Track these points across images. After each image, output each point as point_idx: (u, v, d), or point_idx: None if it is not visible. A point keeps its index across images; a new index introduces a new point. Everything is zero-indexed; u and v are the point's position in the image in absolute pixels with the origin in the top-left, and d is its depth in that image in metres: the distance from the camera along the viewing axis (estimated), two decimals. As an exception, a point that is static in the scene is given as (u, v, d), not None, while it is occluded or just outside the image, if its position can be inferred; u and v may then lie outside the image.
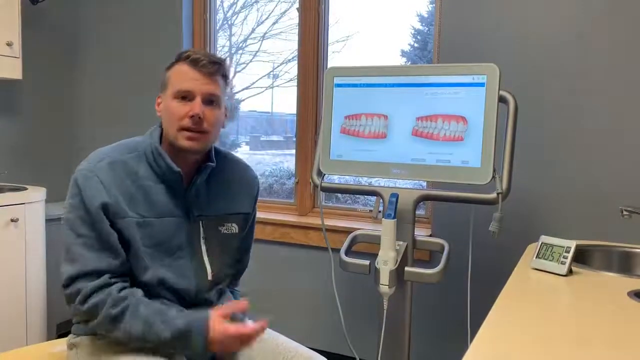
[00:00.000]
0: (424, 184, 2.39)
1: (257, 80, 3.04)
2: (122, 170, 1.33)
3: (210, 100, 1.36)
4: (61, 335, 2.74)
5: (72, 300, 1.29)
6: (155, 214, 1.35)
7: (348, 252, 1.96)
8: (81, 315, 1.33)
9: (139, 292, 1.31)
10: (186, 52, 1.37)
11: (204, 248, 1.43)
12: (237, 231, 1.51)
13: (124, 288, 1.30)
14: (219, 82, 1.38)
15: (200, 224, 1.43)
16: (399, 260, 1.78)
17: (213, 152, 1.46)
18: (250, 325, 1.33)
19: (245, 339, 1.32)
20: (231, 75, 3.08)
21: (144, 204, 1.33)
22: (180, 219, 1.38)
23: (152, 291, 1.35)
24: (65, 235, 1.31)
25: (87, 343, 1.38)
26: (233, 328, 1.30)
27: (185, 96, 1.34)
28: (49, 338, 2.59)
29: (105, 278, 1.29)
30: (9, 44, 2.57)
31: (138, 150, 1.38)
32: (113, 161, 1.34)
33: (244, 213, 1.54)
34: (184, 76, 1.34)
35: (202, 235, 1.43)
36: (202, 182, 1.42)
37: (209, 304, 1.45)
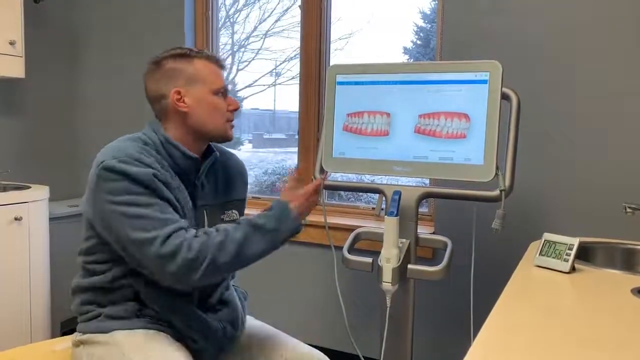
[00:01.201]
0: (427, 181, 2.39)
1: (259, 78, 3.04)
2: (145, 158, 1.35)
3: None
4: (65, 333, 2.75)
5: (176, 253, 1.24)
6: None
7: (351, 250, 1.96)
8: (188, 263, 1.25)
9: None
10: (198, 49, 1.46)
11: None
12: (237, 217, 1.56)
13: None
14: None
15: (205, 213, 1.46)
16: (401, 257, 1.78)
17: (212, 144, 1.52)
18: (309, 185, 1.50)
19: (312, 195, 1.47)
20: (233, 73, 3.10)
21: (169, 188, 1.35)
22: (188, 206, 1.41)
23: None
24: (130, 212, 1.26)
25: (94, 340, 1.39)
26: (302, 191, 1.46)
27: (223, 92, 1.45)
28: (53, 336, 2.60)
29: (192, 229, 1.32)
30: (12, 43, 2.58)
31: (147, 143, 1.38)
32: (135, 149, 1.34)
33: (241, 199, 1.61)
34: (217, 74, 1.45)
35: (206, 224, 1.46)
36: (205, 172, 1.46)
37: (215, 289, 1.48)
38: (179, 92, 1.40)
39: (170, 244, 1.25)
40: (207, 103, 1.42)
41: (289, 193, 1.45)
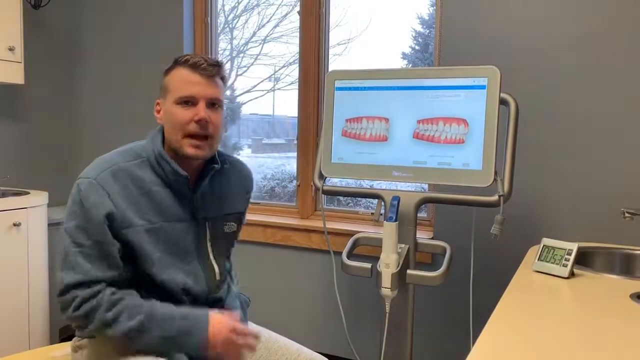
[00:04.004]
0: (426, 186, 2.39)
1: (258, 84, 3.05)
2: (127, 177, 1.32)
3: (213, 103, 1.36)
4: (63, 339, 2.75)
5: (65, 308, 1.28)
6: (164, 218, 1.35)
7: (350, 255, 1.96)
8: (76, 321, 1.30)
9: (134, 292, 1.31)
10: (184, 56, 1.37)
11: (210, 249, 1.44)
12: (235, 229, 1.54)
13: (116, 292, 1.29)
14: (219, 84, 1.38)
15: (207, 226, 1.44)
16: (400, 263, 1.78)
17: (217, 154, 1.46)
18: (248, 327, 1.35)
19: (242, 338, 1.31)
20: (232, 78, 3.10)
21: (152, 209, 1.33)
22: (187, 222, 1.39)
23: (165, 296, 1.35)
24: (64, 243, 1.30)
25: (93, 344, 1.38)
26: (232, 325, 1.31)
27: (188, 101, 1.33)
28: (51, 342, 2.60)
29: (99, 286, 1.28)
30: (11, 49, 2.58)
31: (142, 156, 1.37)
32: (117, 169, 1.32)
33: (241, 212, 1.57)
34: (185, 81, 1.33)
35: (208, 237, 1.44)
36: (206, 185, 1.43)
37: (219, 303, 1.47)
38: (158, 104, 1.41)
39: (67, 295, 1.27)
40: (168, 114, 1.35)
41: (221, 326, 1.31)
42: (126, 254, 1.30)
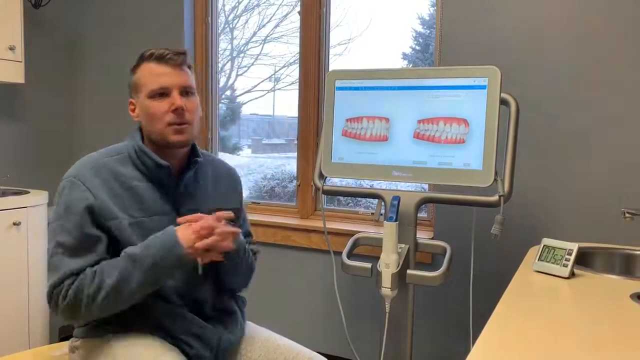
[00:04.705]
0: (426, 186, 2.39)
1: (258, 84, 3.05)
2: (108, 172, 1.35)
3: (186, 91, 1.39)
4: (63, 339, 2.75)
5: (56, 305, 1.28)
6: (145, 213, 1.35)
7: (350, 255, 1.96)
8: (69, 311, 1.28)
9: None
10: (148, 50, 1.40)
11: None
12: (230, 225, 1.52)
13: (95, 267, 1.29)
14: (188, 71, 1.41)
15: None
16: (400, 263, 1.78)
17: (197, 148, 1.48)
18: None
19: (208, 228, 1.29)
20: (232, 78, 3.09)
21: (134, 204, 1.34)
22: (170, 216, 1.38)
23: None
24: (49, 246, 1.32)
25: (89, 345, 1.39)
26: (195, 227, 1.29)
27: (162, 93, 1.36)
28: (51, 341, 2.60)
29: (82, 273, 1.28)
30: (11, 48, 2.58)
31: (122, 152, 1.40)
32: (97, 165, 1.35)
33: (233, 208, 1.54)
34: (154, 74, 1.37)
35: None
36: (190, 178, 1.43)
37: (203, 301, 1.45)
38: (132, 103, 1.43)
39: (54, 294, 1.29)
40: (144, 109, 1.38)
41: (186, 225, 1.31)
42: (111, 245, 1.32)
